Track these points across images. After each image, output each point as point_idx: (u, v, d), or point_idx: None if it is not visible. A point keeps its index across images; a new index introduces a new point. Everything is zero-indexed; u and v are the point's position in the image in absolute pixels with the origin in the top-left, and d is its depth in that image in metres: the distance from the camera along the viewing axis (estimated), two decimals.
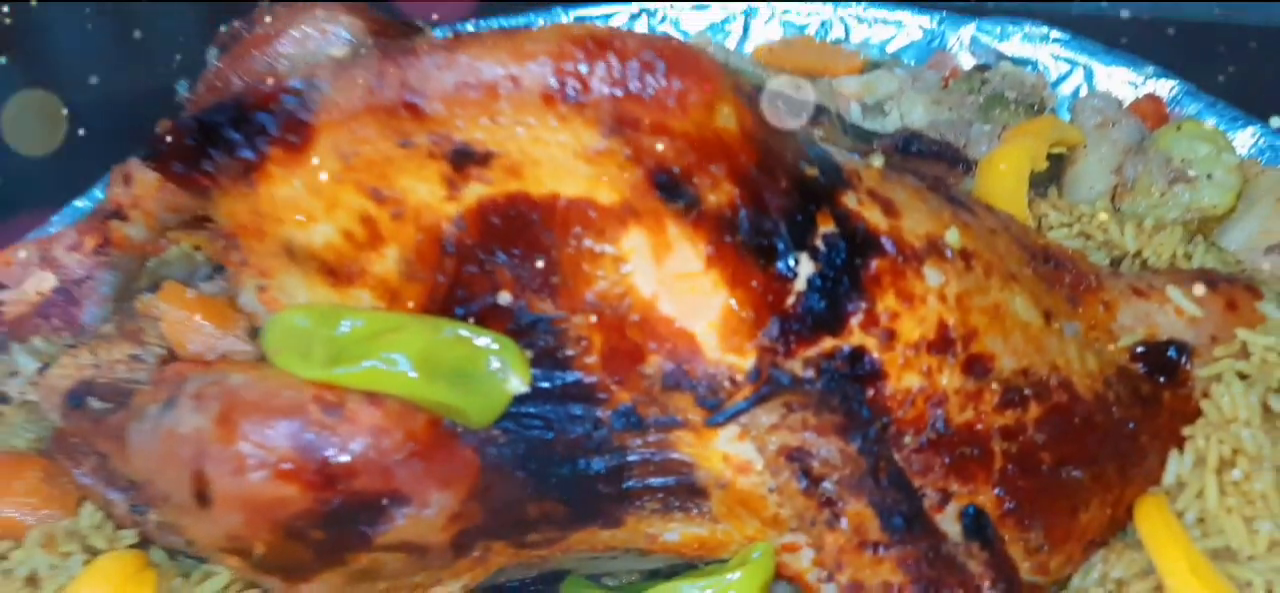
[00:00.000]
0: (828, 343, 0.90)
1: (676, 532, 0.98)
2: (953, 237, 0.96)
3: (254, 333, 1.02)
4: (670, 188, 0.85)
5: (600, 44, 0.80)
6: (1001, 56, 1.60)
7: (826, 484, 0.89)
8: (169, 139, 0.93)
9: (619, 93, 0.81)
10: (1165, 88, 1.49)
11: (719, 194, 0.86)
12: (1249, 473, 1.02)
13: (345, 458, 0.84)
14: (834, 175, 0.92)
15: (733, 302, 0.88)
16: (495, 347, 0.87)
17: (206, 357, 1.08)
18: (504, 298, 0.89)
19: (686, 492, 0.95)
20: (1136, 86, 1.52)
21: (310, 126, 0.87)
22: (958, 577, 0.92)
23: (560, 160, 0.84)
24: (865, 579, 0.91)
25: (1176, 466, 1.04)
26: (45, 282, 1.27)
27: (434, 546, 0.89)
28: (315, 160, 0.88)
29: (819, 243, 0.89)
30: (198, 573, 1.07)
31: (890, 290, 0.91)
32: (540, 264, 0.88)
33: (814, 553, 0.95)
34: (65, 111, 1.85)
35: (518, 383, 0.87)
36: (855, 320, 0.90)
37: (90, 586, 1.03)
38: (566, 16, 1.75)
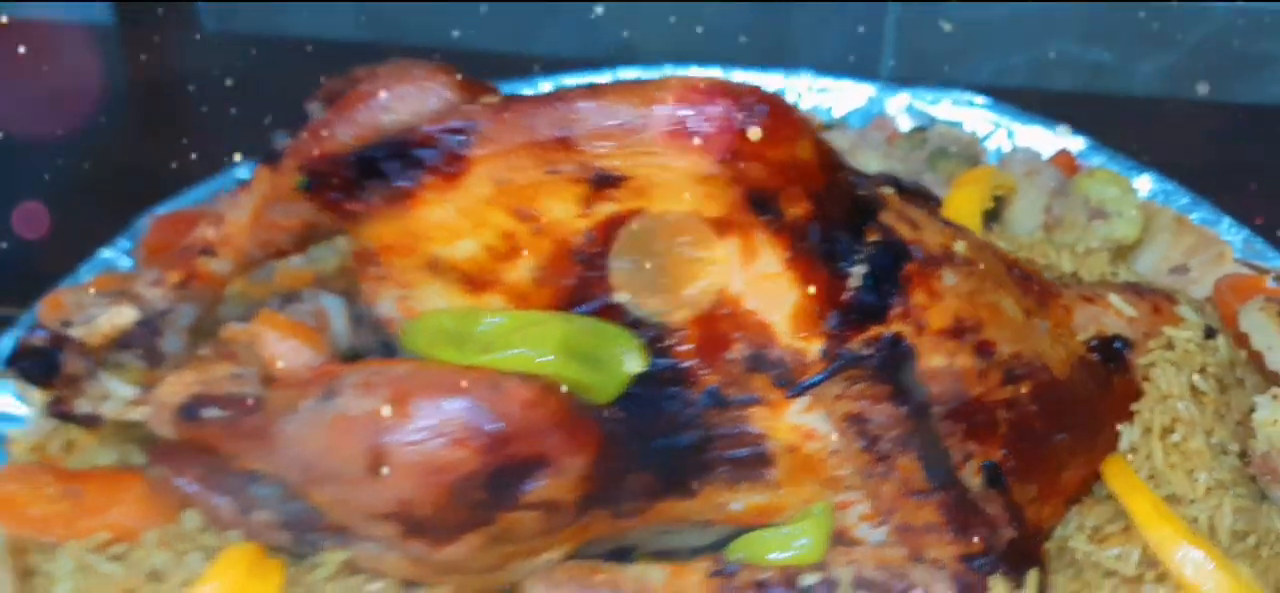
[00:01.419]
0: (874, 330, 1.11)
1: (741, 501, 1.18)
2: (960, 247, 1.20)
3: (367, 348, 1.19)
4: (760, 204, 1.06)
5: (714, 91, 1.02)
6: (934, 120, 1.87)
7: (882, 443, 1.11)
8: (325, 173, 1.09)
9: (727, 129, 1.02)
10: (1075, 144, 1.78)
11: (797, 209, 1.07)
12: (1185, 436, 1.27)
13: (505, 426, 1.01)
14: (874, 199, 1.14)
15: (804, 297, 1.09)
16: (618, 334, 1.06)
17: (301, 374, 1.24)
18: (620, 297, 1.08)
19: (755, 462, 1.15)
20: (1048, 143, 1.81)
21: (468, 159, 1.05)
22: (981, 518, 1.14)
23: (677, 183, 1.04)
24: (912, 521, 1.13)
25: (1129, 434, 1.29)
26: (122, 316, 1.39)
27: (564, 505, 1.06)
28: (469, 185, 1.06)
29: (868, 250, 1.11)
30: (308, 563, 1.22)
31: (920, 288, 1.14)
32: (649, 268, 1.07)
33: (861, 510, 1.16)
34: None
35: (636, 364, 1.06)
36: (894, 312, 1.12)
37: (225, 571, 1.16)
38: (547, 84, 1.96)
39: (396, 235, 1.10)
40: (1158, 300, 1.40)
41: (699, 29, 2.47)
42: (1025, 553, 1.16)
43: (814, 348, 1.10)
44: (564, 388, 1.05)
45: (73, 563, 1.22)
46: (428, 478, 1.01)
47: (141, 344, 1.38)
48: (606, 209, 1.06)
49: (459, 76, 1.24)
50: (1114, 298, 1.37)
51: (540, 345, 1.03)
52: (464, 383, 1.02)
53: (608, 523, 1.15)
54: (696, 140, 1.02)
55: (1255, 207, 1.71)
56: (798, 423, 1.12)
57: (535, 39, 2.44)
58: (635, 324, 1.09)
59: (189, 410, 1.22)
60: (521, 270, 1.09)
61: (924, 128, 1.82)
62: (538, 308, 1.09)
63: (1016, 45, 2.54)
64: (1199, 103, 2.35)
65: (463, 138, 1.05)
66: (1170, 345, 1.36)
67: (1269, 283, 1.54)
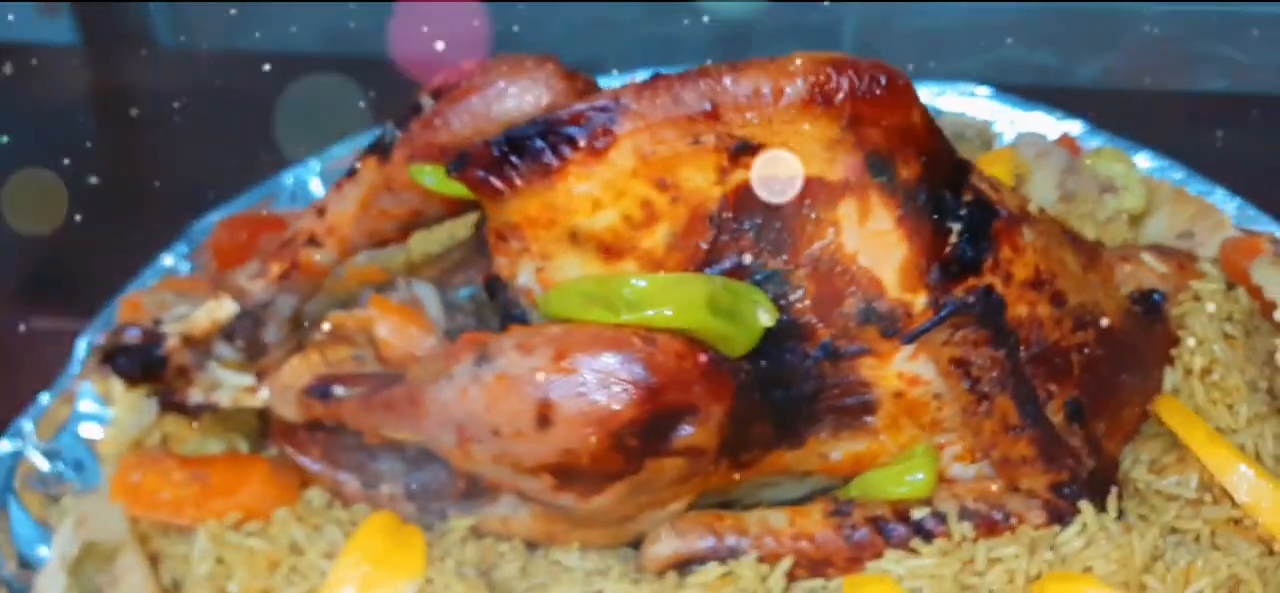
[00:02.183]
0: (970, 281, 1.23)
1: (841, 450, 1.28)
2: (1033, 207, 1.32)
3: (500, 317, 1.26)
4: (878, 166, 1.17)
5: (841, 64, 1.12)
6: (939, 110, 2.00)
7: (982, 384, 1.22)
8: (475, 154, 1.17)
9: (853, 97, 1.13)
10: (1074, 127, 1.94)
11: (908, 170, 1.18)
12: (1223, 375, 1.41)
13: (659, 377, 1.09)
14: (966, 163, 1.26)
15: (911, 252, 1.20)
16: (750, 291, 1.16)
17: (411, 355, 1.31)
18: (746, 258, 1.18)
19: (860, 410, 1.25)
20: (1051, 128, 1.96)
21: (615, 133, 1.14)
22: (1066, 450, 1.26)
23: (807, 148, 1.15)
24: (1008, 455, 1.24)
25: (1171, 377, 1.43)
26: (223, 309, 1.44)
27: (706, 451, 1.15)
28: (614, 159, 1.15)
29: (965, 209, 1.22)
30: (437, 530, 1.29)
31: (1006, 244, 1.26)
32: (775, 230, 1.17)
33: (954, 450, 1.27)
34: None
35: (767, 318, 1.16)
36: (987, 265, 1.24)
37: (368, 539, 1.22)
38: None
39: (540, 209, 1.18)
40: (1182, 258, 1.54)
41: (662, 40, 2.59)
42: (1105, 480, 1.28)
43: (919, 300, 1.21)
44: (704, 342, 1.14)
45: (209, 541, 1.27)
46: (591, 427, 1.09)
47: (244, 335, 1.43)
48: (739, 176, 1.15)
49: (561, 68, 1.33)
50: (1146, 257, 1.51)
51: (686, 303, 1.12)
52: (621, 338, 1.10)
53: (726, 474, 1.24)
54: (827, 108, 1.13)
55: (1234, 182, 1.88)
56: (904, 370, 1.23)
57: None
58: (760, 283, 1.18)
59: (319, 390, 1.28)
60: (657, 237, 1.17)
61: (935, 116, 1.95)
62: (670, 272, 1.18)
63: (969, 49, 2.71)
64: (1151, 93, 2.54)
65: (610, 114, 1.14)
66: (1197, 297, 1.50)
67: (1265, 245, 1.70)
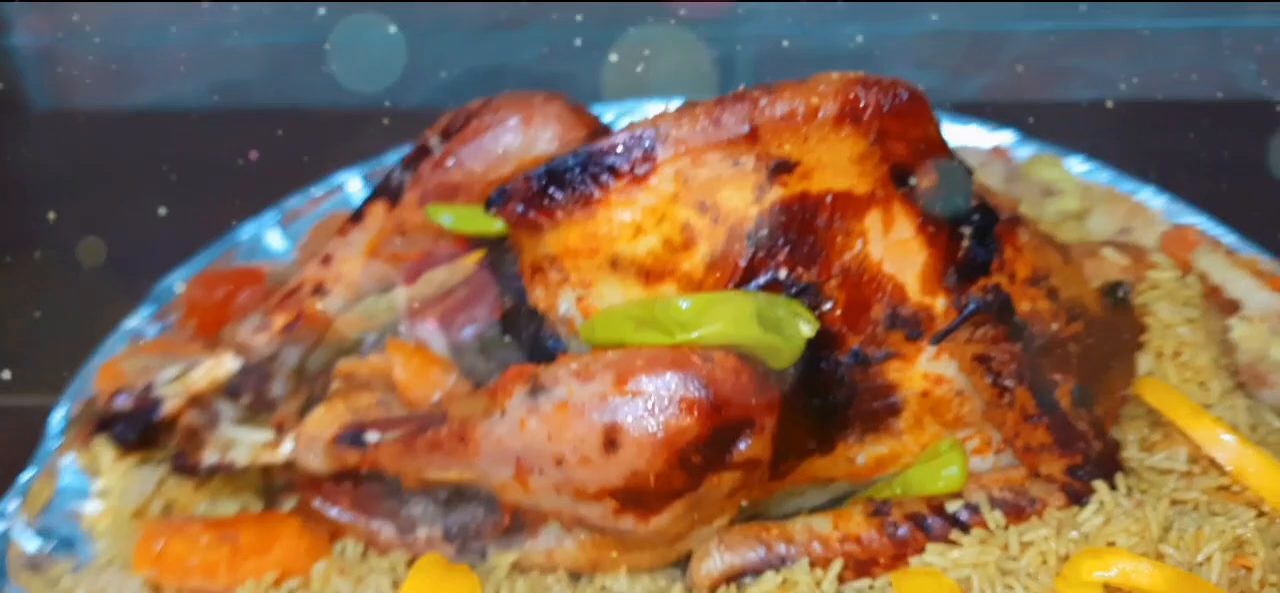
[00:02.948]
0: (982, 282, 1.30)
1: (866, 453, 1.33)
2: (1021, 210, 1.40)
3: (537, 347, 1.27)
4: (901, 177, 1.23)
5: (867, 82, 1.18)
6: None
7: (1003, 377, 1.29)
8: (514, 190, 1.18)
9: (880, 113, 1.19)
10: (1006, 138, 2.05)
11: (928, 180, 1.24)
12: (1191, 356, 1.52)
13: (719, 392, 1.12)
14: (970, 170, 1.33)
15: (930, 257, 1.26)
16: (791, 304, 1.20)
17: (431, 396, 1.31)
18: (781, 273, 1.22)
19: (886, 413, 1.30)
20: (983, 140, 2.06)
21: (656, 160, 1.16)
22: (1078, 435, 1.33)
23: (838, 164, 1.20)
24: (1029, 443, 1.31)
25: (1145, 360, 1.53)
26: (223, 366, 1.41)
27: (761, 463, 1.18)
28: (655, 185, 1.17)
29: (974, 214, 1.29)
30: (483, 566, 1.28)
31: (1008, 244, 1.33)
32: (808, 244, 1.22)
33: (974, 444, 1.34)
34: None
35: (809, 329, 1.20)
36: (994, 265, 1.31)
37: (421, 583, 1.21)
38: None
39: (581, 239, 1.20)
40: (1136, 251, 1.65)
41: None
42: (1111, 460, 1.36)
43: (939, 302, 1.27)
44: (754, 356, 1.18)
45: None
46: (659, 448, 1.11)
47: (251, 391, 1.40)
48: (775, 193, 1.20)
49: (568, 104, 1.35)
50: (1107, 251, 1.62)
51: (737, 319, 1.15)
52: (680, 357, 1.13)
53: (762, 486, 1.27)
54: (856, 124, 1.18)
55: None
56: (929, 370, 1.28)
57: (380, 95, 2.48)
58: (795, 296, 1.22)
59: (350, 438, 1.27)
60: (696, 259, 1.20)
61: None
62: (708, 292, 1.21)
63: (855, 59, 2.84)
64: (1044, 104, 2.69)
65: (651, 142, 1.17)
66: (1155, 286, 1.61)
67: (1195, 235, 1.83)
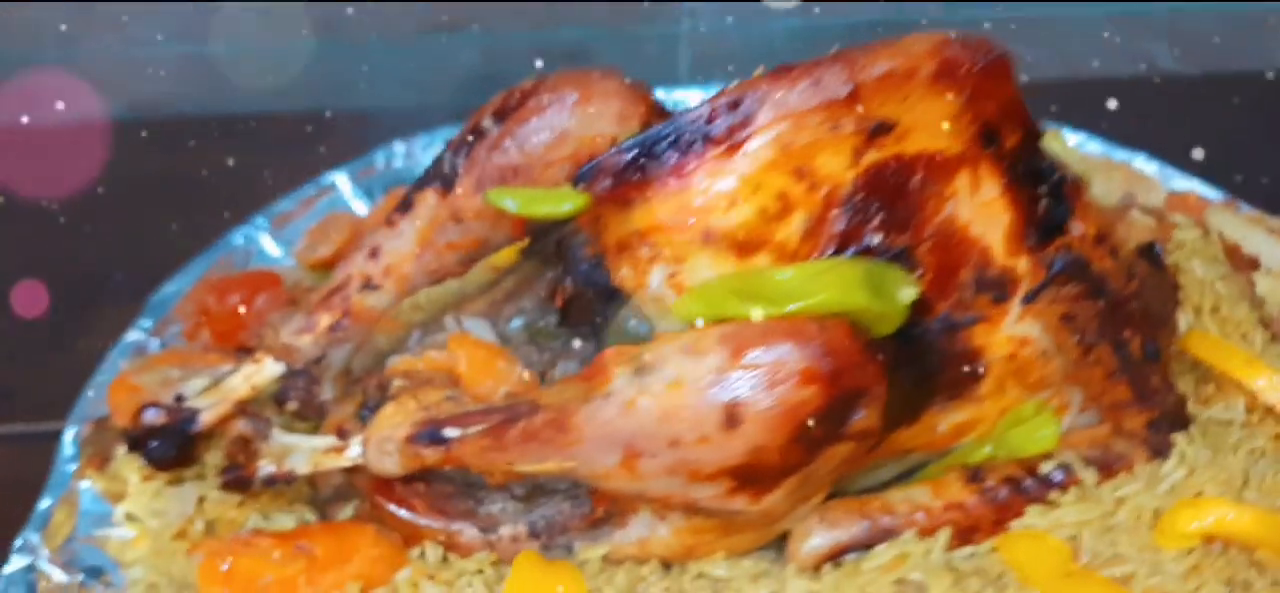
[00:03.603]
0: (1059, 241, 1.29)
1: (947, 422, 1.30)
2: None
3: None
4: (988, 137, 1.21)
5: (963, 42, 1.16)
6: None
7: (1087, 335, 1.28)
8: (601, 165, 1.13)
9: (971, 72, 1.17)
10: None
11: (1011, 139, 1.23)
12: (1229, 310, 1.54)
13: (839, 361, 1.09)
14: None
15: (1014, 218, 1.25)
16: (892, 270, 1.17)
17: (498, 390, 1.25)
18: (874, 239, 1.19)
19: (969, 379, 1.28)
20: None
21: (754, 126, 1.12)
22: (1153, 388, 1.33)
23: (932, 124, 1.17)
24: (1113, 399, 1.30)
25: (1184, 317, 1.54)
26: (264, 373, 1.33)
27: (872, 434, 1.15)
28: (753, 152, 1.13)
29: (1052, 173, 1.28)
30: (572, 561, 1.22)
31: (1077, 202, 1.32)
32: (901, 209, 1.19)
33: (1052, 406, 1.32)
34: None
35: (910, 294, 1.17)
36: (1069, 225, 1.30)
37: (524, 584, 1.15)
38: None
39: (673, 212, 1.15)
40: (1158, 213, 1.67)
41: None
42: (1182, 414, 1.37)
43: (1022, 263, 1.25)
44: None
45: None
46: (780, 421, 1.07)
47: (298, 396, 1.31)
48: (871, 157, 1.16)
49: (625, 81, 1.30)
50: (1134, 214, 1.63)
51: (845, 285, 1.12)
52: (795, 327, 1.09)
53: (854, 460, 1.24)
54: (951, 84, 1.16)
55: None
56: (1014, 333, 1.27)
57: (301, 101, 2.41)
58: (891, 262, 1.20)
59: (428, 435, 1.19)
60: (791, 228, 1.17)
61: None
62: (802, 262, 1.17)
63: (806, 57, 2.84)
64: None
65: (749, 107, 1.12)
66: (1180, 245, 1.63)
67: (1196, 200, 1.87)
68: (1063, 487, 1.26)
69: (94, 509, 1.37)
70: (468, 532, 1.23)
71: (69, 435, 1.44)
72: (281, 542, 1.19)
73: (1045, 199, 1.27)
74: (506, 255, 1.44)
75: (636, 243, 1.18)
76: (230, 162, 2.13)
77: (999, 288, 1.25)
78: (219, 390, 1.32)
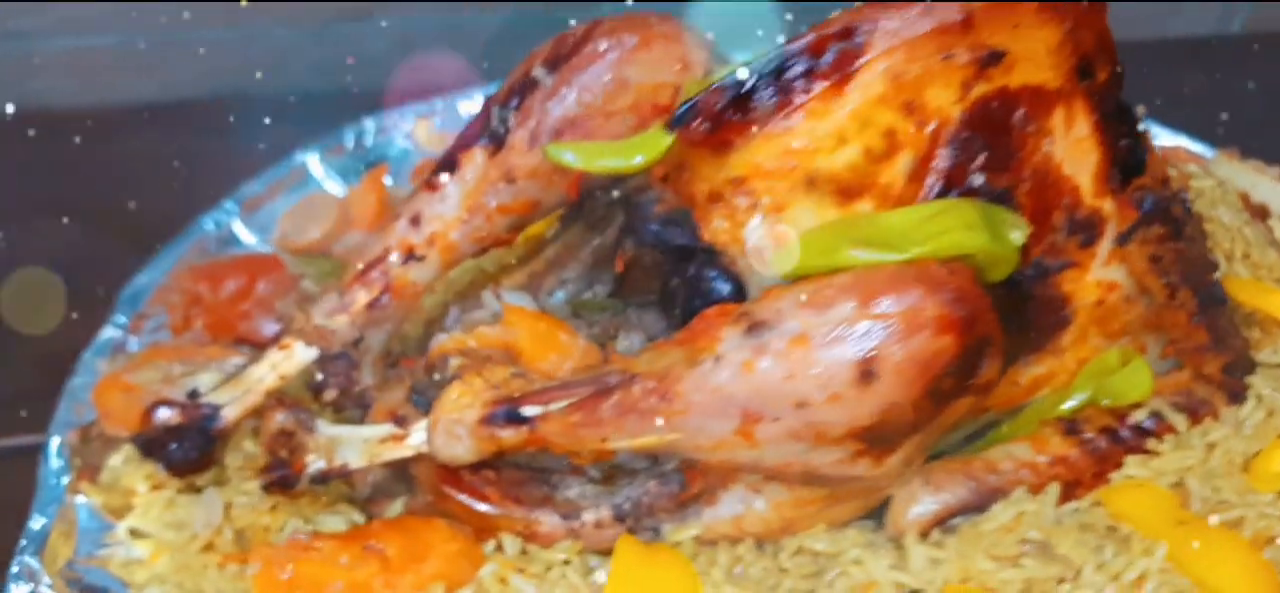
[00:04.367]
0: (1138, 182, 1.24)
1: (1027, 374, 1.24)
2: None
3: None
4: (1084, 70, 1.15)
5: None
6: None
7: (1172, 276, 1.24)
8: (700, 107, 1.03)
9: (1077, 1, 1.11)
10: None
11: (1102, 73, 1.18)
12: (1259, 256, 1.53)
13: (970, 307, 1.01)
14: None
15: (1101, 158, 1.20)
16: (1001, 211, 1.10)
17: (562, 365, 1.15)
18: (976, 180, 1.12)
19: (1055, 327, 1.22)
20: None
21: (865, 57, 1.04)
22: (1225, 331, 1.30)
23: (1036, 55, 1.11)
24: (1194, 343, 1.26)
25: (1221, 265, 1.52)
26: (292, 360, 1.19)
27: (991, 386, 1.08)
28: (863, 85, 1.05)
29: (1132, 113, 1.24)
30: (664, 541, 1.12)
31: (1149, 145, 1.29)
32: (1003, 147, 1.13)
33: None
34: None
35: (1020, 236, 1.11)
36: (1147, 166, 1.26)
37: (629, 571, 1.05)
38: None
39: (776, 155, 1.06)
40: (1177, 165, 1.66)
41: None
42: (1249, 358, 1.34)
43: (1107, 204, 1.20)
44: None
45: None
46: (917, 375, 0.99)
47: (336, 384, 1.18)
48: (980, 90, 1.09)
49: (683, 24, 1.21)
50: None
51: (967, 227, 1.05)
52: (924, 273, 1.01)
53: (971, 416, 1.17)
54: (1056, 12, 1.10)
55: None
56: (1101, 278, 1.22)
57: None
58: (993, 203, 1.13)
59: (505, 415, 1.08)
60: (896, 169, 1.09)
61: None
62: (906, 205, 1.10)
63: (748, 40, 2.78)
64: None
65: (860, 36, 1.04)
66: (1200, 194, 1.61)
67: (1185, 153, 1.87)
68: (1157, 435, 1.22)
69: (93, 526, 1.20)
70: (548, 520, 1.11)
71: (54, 446, 1.26)
72: (346, 544, 1.05)
73: (1128, 139, 1.22)
74: (542, 225, 1.33)
75: (733, 192, 1.08)
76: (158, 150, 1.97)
77: (1088, 230, 1.20)
78: (242, 382, 1.17)
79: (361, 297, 1.18)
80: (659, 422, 1.03)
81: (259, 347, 1.31)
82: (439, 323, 1.26)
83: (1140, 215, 1.19)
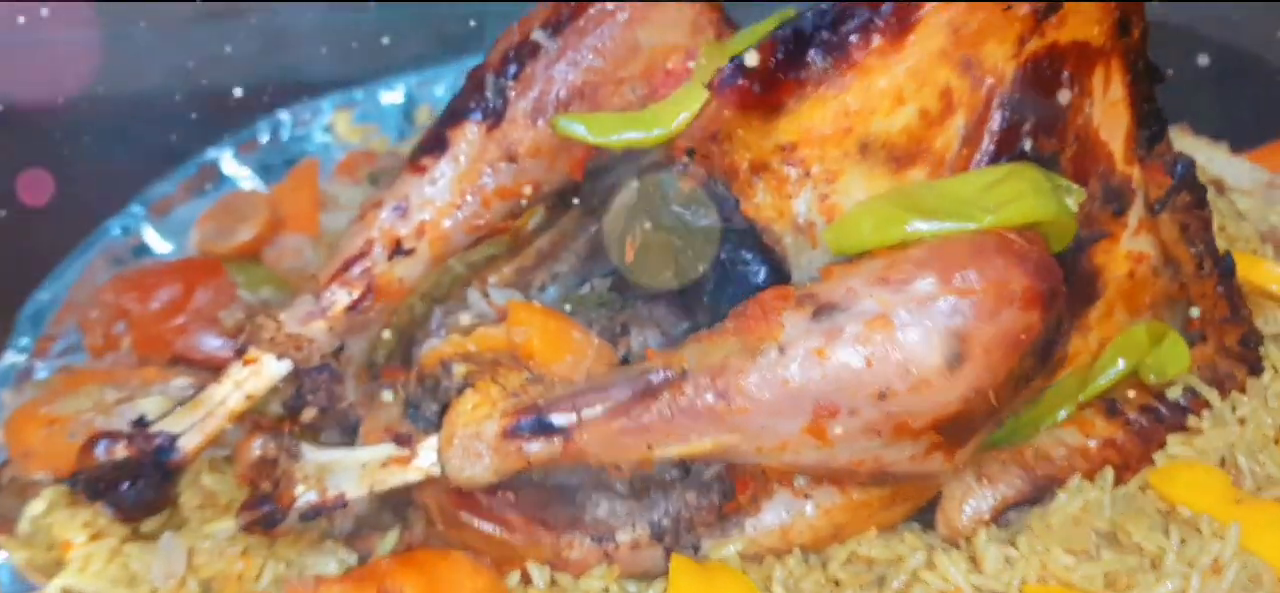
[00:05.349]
0: (1160, 148, 1.19)
1: None
2: None
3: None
4: (1124, 26, 1.09)
5: None
6: None
7: (1199, 245, 1.18)
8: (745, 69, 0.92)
9: None
10: None
11: (1137, 29, 1.11)
12: (1234, 228, 1.51)
13: (1052, 278, 0.93)
14: None
15: (1132, 121, 1.13)
16: (1055, 176, 1.02)
17: (578, 368, 1.03)
18: (1026, 144, 1.04)
19: (1084, 302, 1.15)
20: None
21: (926, 7, 0.94)
22: (1241, 302, 1.26)
23: (1086, 8, 1.03)
24: (1219, 314, 1.21)
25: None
26: (261, 376, 1.03)
27: (1060, 365, 1.00)
28: (923, 37, 0.95)
29: (1159, 74, 1.17)
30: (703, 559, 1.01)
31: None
32: (1050, 108, 1.05)
33: None
34: None
35: (1075, 201, 1.03)
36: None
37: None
38: None
39: (831, 117, 0.95)
40: None
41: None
42: (1257, 329, 1.30)
43: (1134, 171, 1.14)
44: None
45: None
46: (1006, 354, 0.90)
47: (317, 401, 1.02)
48: (1035, 45, 1.01)
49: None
50: None
51: (1037, 193, 0.96)
52: (1004, 242, 0.92)
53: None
54: None
55: None
56: (1131, 248, 1.15)
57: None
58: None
59: (532, 425, 0.94)
60: (950, 132, 1.00)
61: None
62: (958, 173, 1.01)
63: None
64: None
65: None
66: None
67: None
68: (1194, 411, 1.16)
69: (15, 590, 1.01)
70: (579, 544, 0.98)
71: None
72: (356, 589, 0.89)
73: (1151, 102, 1.16)
74: (527, 216, 1.19)
75: (781, 160, 0.97)
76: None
77: (1119, 199, 1.13)
78: (199, 406, 1.00)
79: (341, 299, 1.02)
80: (716, 424, 0.91)
81: (200, 366, 1.14)
82: (419, 327, 1.11)
83: (1175, 181, 1.13)
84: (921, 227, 0.94)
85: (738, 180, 0.98)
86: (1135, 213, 1.14)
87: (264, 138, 1.60)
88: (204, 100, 1.88)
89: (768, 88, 0.94)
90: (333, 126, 1.65)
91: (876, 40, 0.95)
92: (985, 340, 0.88)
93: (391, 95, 1.72)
